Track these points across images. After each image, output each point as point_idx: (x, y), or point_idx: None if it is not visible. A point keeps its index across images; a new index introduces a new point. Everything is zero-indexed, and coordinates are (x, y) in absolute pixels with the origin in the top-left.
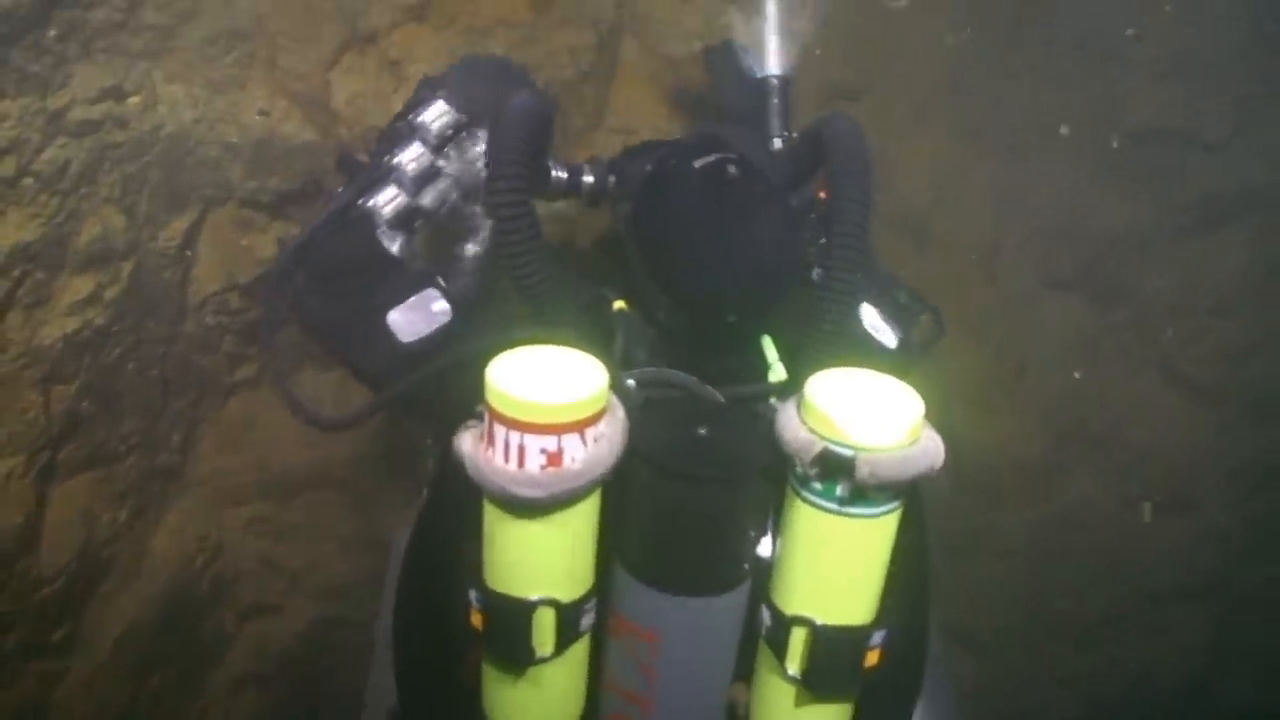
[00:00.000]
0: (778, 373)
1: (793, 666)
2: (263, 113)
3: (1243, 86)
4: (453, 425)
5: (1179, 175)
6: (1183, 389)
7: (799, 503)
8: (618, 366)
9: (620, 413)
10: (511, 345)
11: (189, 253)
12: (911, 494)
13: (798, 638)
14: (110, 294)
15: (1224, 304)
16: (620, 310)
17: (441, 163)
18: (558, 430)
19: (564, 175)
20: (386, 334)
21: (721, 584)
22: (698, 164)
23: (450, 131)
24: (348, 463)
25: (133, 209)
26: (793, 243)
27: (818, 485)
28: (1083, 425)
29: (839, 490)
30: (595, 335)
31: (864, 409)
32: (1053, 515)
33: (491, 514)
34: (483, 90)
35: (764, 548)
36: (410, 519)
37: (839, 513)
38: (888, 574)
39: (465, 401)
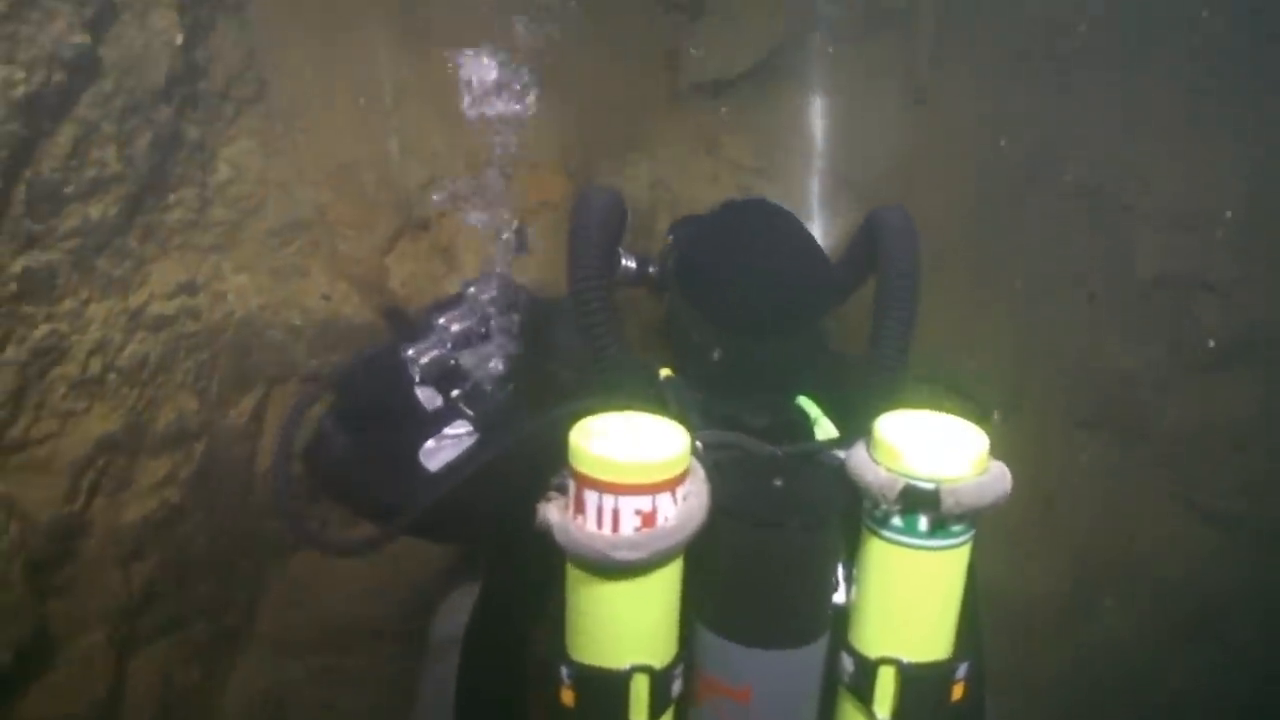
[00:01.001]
0: (825, 428)
1: (882, 710)
2: (325, 297)
3: (1246, 233)
4: (511, 509)
5: (1190, 317)
6: (1208, 521)
7: (879, 542)
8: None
9: (701, 472)
10: (580, 415)
11: (256, 428)
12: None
13: (885, 680)
14: (185, 473)
15: (1242, 438)
16: (668, 377)
17: (483, 329)
18: (651, 490)
19: (632, 265)
20: (413, 468)
21: (809, 634)
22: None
23: (497, 304)
24: (406, 614)
25: (205, 392)
26: (823, 260)
27: (898, 522)
28: (1111, 559)
29: (920, 524)
30: (649, 404)
31: (937, 443)
32: (1083, 650)
33: (580, 583)
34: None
35: (839, 595)
36: (453, 608)
37: (921, 546)
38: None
39: (526, 486)
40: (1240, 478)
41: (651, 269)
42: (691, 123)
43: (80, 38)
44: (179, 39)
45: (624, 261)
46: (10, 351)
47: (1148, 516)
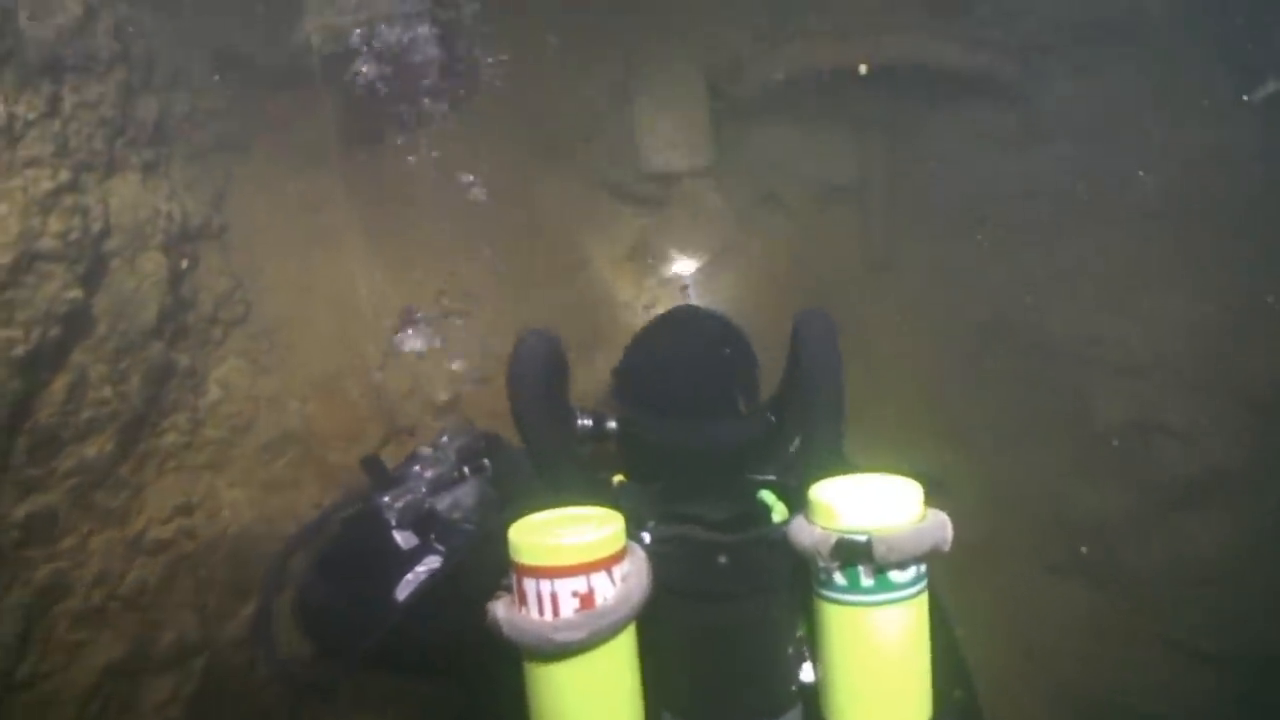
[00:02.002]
0: (780, 513)
1: None
2: (317, 507)
3: (1196, 379)
4: (466, 617)
5: (1151, 461)
6: (1184, 656)
7: (828, 606)
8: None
9: (640, 553)
10: (524, 514)
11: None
12: (929, 577)
13: None
14: (187, 690)
15: (1212, 574)
16: (621, 482)
17: (456, 474)
18: (586, 570)
19: (589, 423)
20: (388, 605)
21: (772, 710)
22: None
23: (468, 450)
24: None
25: (204, 608)
26: (738, 342)
27: (840, 579)
28: (1096, 702)
29: (862, 579)
30: (603, 506)
31: (868, 497)
32: None
33: (535, 676)
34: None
35: (806, 673)
36: None
37: (869, 603)
38: (933, 666)
39: (478, 593)
40: (1213, 612)
41: (609, 424)
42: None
43: (74, 293)
44: (166, 277)
45: (580, 420)
46: (15, 595)
47: (1127, 658)
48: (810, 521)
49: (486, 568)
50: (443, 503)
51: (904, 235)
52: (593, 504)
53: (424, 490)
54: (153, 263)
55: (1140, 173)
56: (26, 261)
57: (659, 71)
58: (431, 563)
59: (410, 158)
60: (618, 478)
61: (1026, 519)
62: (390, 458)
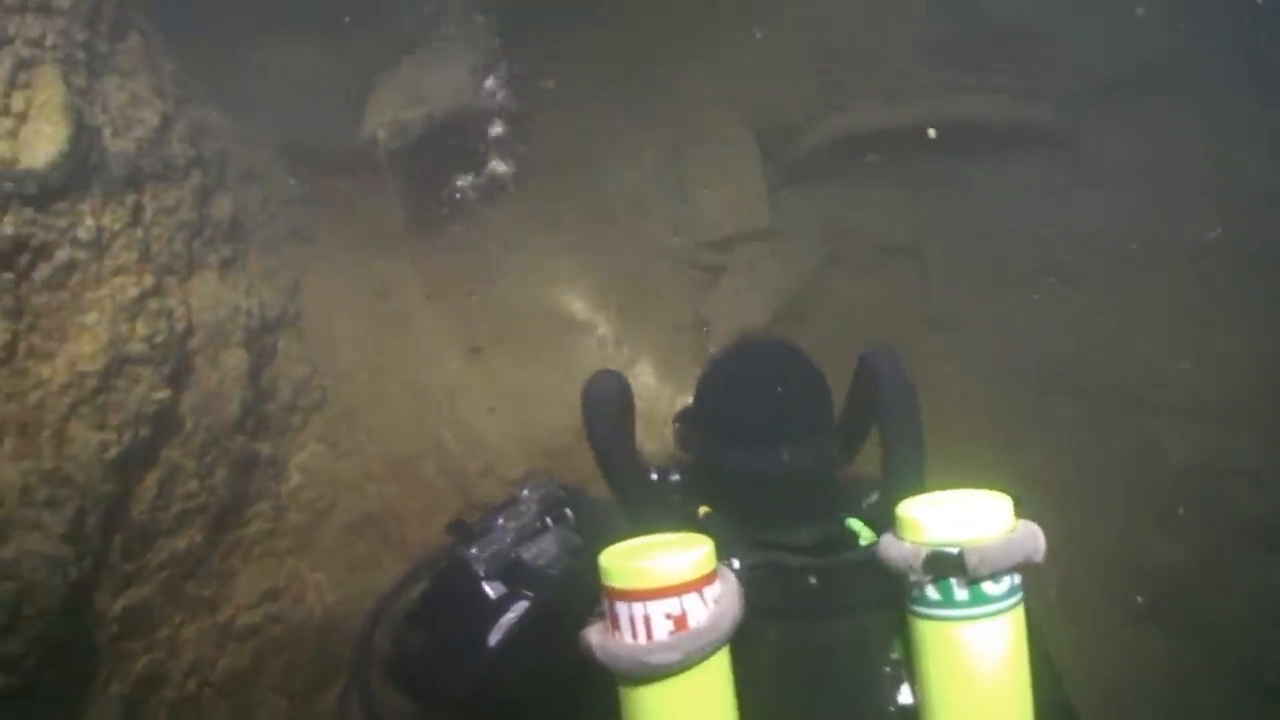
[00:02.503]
0: (868, 538)
1: None
2: None
3: (1270, 419)
4: (562, 652)
5: (1225, 503)
6: (1264, 696)
7: (922, 622)
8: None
9: (731, 575)
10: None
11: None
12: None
13: None
14: None
15: None
16: (708, 513)
17: (539, 524)
18: (678, 591)
19: (655, 478)
20: (481, 653)
21: None
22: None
23: (549, 499)
24: None
25: (292, 691)
26: (819, 375)
27: (934, 594)
28: None
29: (956, 592)
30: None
31: (958, 509)
32: None
33: (627, 699)
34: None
35: (905, 695)
36: None
37: (963, 616)
38: (1033, 684)
39: (572, 627)
40: None
41: (674, 476)
42: None
43: (162, 393)
44: (247, 370)
45: (651, 474)
46: (114, 687)
47: (1209, 701)
48: (899, 537)
49: (575, 606)
50: (528, 552)
51: (962, 287)
52: (677, 529)
53: (509, 540)
54: (234, 358)
55: (1193, 213)
56: (117, 366)
57: (712, 138)
58: (520, 608)
59: (475, 240)
60: (703, 509)
61: (1100, 565)
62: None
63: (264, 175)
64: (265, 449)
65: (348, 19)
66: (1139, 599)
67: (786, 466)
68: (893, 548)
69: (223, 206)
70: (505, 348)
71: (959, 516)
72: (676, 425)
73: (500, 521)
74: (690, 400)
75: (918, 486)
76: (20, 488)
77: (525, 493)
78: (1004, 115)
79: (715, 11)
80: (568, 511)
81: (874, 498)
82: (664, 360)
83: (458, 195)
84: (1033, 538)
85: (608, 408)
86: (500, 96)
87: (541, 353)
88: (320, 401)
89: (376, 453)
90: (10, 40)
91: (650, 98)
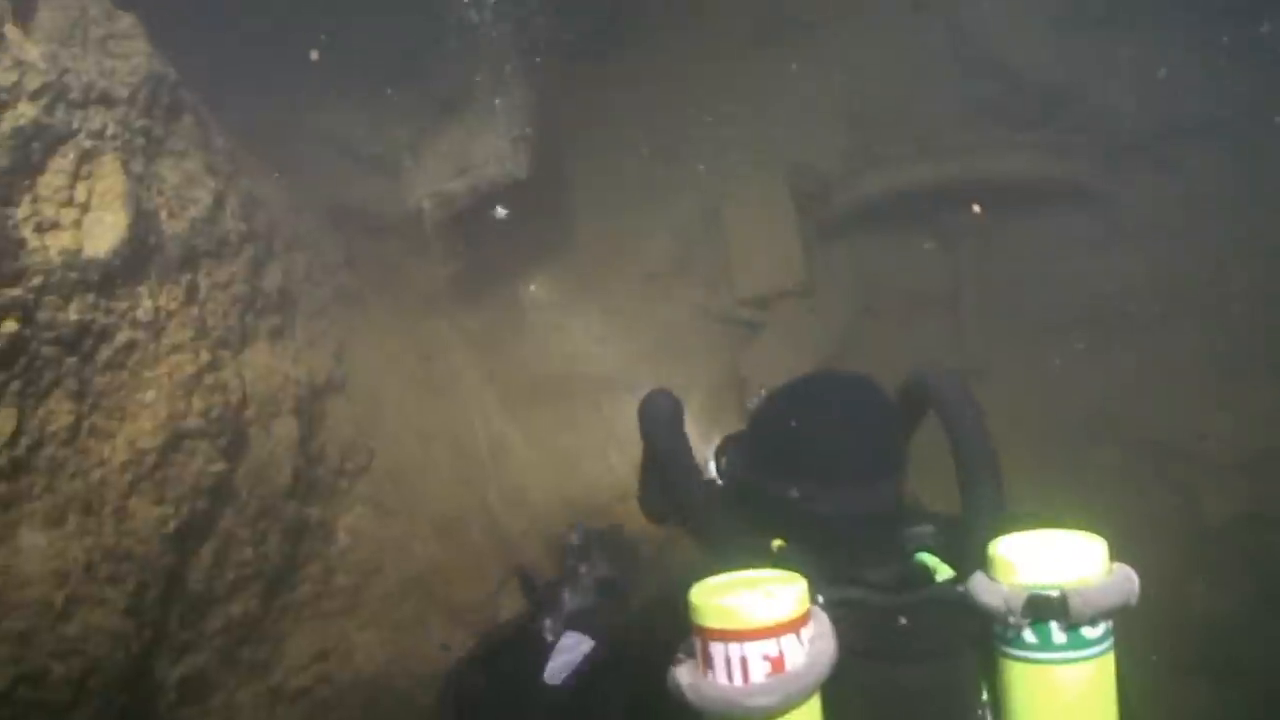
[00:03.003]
0: (944, 573)
1: None
2: (444, 646)
3: None
4: (641, 686)
5: (1267, 554)
6: None
7: (1016, 664)
8: None
9: (824, 615)
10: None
11: None
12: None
13: None
14: None
15: None
16: (782, 547)
17: (583, 568)
18: (776, 633)
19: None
20: (538, 690)
21: None
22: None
23: (606, 584)
24: None
25: None
26: (892, 404)
27: (1030, 637)
28: None
29: (1054, 636)
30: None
31: (1055, 550)
32: None
33: None
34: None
35: None
36: None
37: (1061, 660)
38: None
39: (652, 661)
40: None
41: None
42: None
43: (218, 466)
44: (298, 438)
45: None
46: None
47: None
48: (994, 578)
49: (657, 635)
50: (572, 596)
51: (998, 339)
52: (753, 564)
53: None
54: (286, 426)
55: (1227, 266)
56: (175, 441)
57: (749, 196)
58: (573, 640)
59: (517, 303)
60: (776, 542)
61: (1144, 618)
62: (516, 597)
63: (310, 241)
64: (315, 512)
65: (390, 90)
66: (1183, 650)
67: (869, 506)
68: (989, 590)
69: (273, 277)
70: (547, 409)
71: (1058, 558)
72: (722, 459)
73: (565, 595)
74: (737, 431)
75: (999, 520)
76: (84, 564)
77: (574, 538)
78: (1038, 172)
79: (751, 68)
80: (604, 551)
81: (928, 528)
82: (703, 418)
83: (501, 261)
84: (1129, 580)
85: (666, 418)
86: (540, 163)
87: (582, 413)
88: (367, 463)
89: (422, 513)
90: (75, 134)
91: (687, 156)
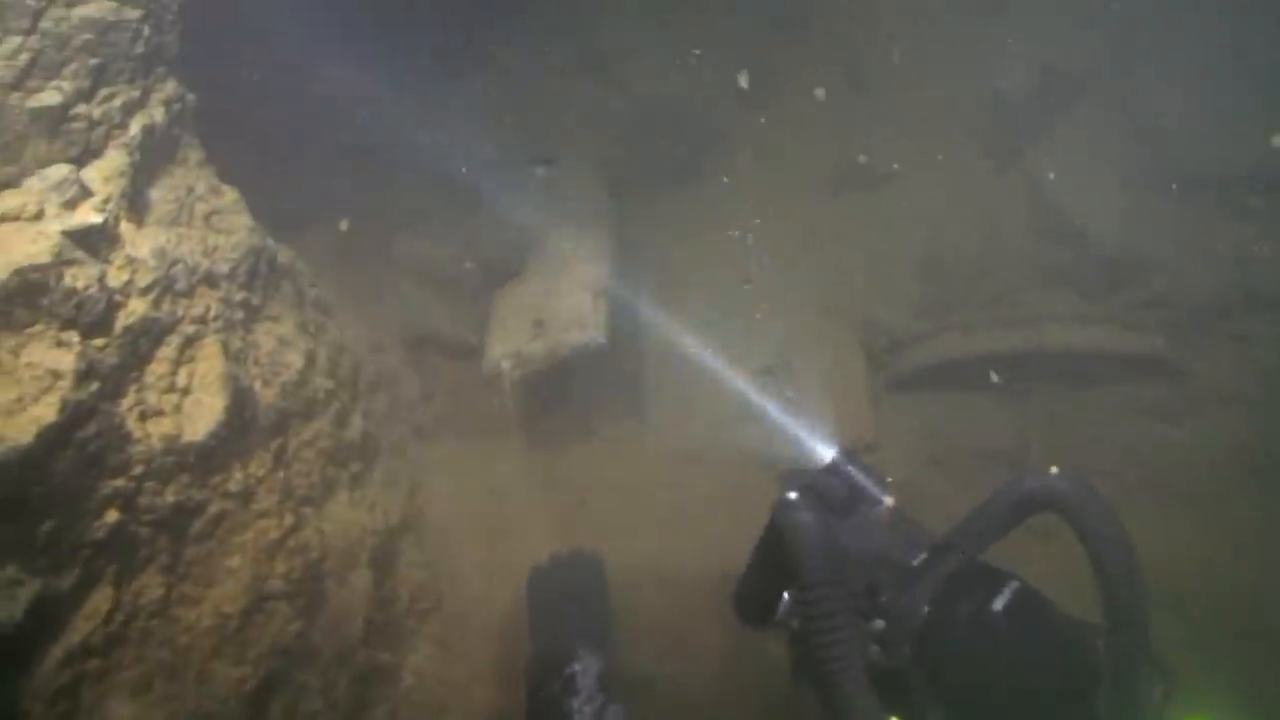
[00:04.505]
0: None
1: None
2: None
3: None
4: None
5: None
6: None
7: None
8: None
9: None
10: None
11: None
12: None
13: None
14: None
15: None
16: None
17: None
18: None
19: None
20: None
21: None
22: (998, 606)
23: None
24: None
25: None
26: (1092, 643)
27: None
28: None
29: None
30: None
31: None
32: None
33: None
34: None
35: None
36: None
37: None
38: None
39: None
40: None
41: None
42: None
43: (296, 625)
44: (371, 588)
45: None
46: None
47: None
48: None
49: None
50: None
51: None
52: None
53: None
54: (361, 579)
55: None
56: (257, 604)
57: (819, 349)
58: None
59: (590, 450)
60: None
61: None
62: None
63: (391, 378)
64: (384, 656)
65: (477, 226)
66: None
67: None
68: None
69: (355, 425)
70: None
71: None
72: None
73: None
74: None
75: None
76: None
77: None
78: (1112, 347)
79: (826, 214)
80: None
81: None
82: None
83: (574, 415)
84: None
85: (818, 540)
86: (616, 329)
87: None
88: (436, 604)
89: (487, 656)
90: (179, 321)
91: (754, 299)
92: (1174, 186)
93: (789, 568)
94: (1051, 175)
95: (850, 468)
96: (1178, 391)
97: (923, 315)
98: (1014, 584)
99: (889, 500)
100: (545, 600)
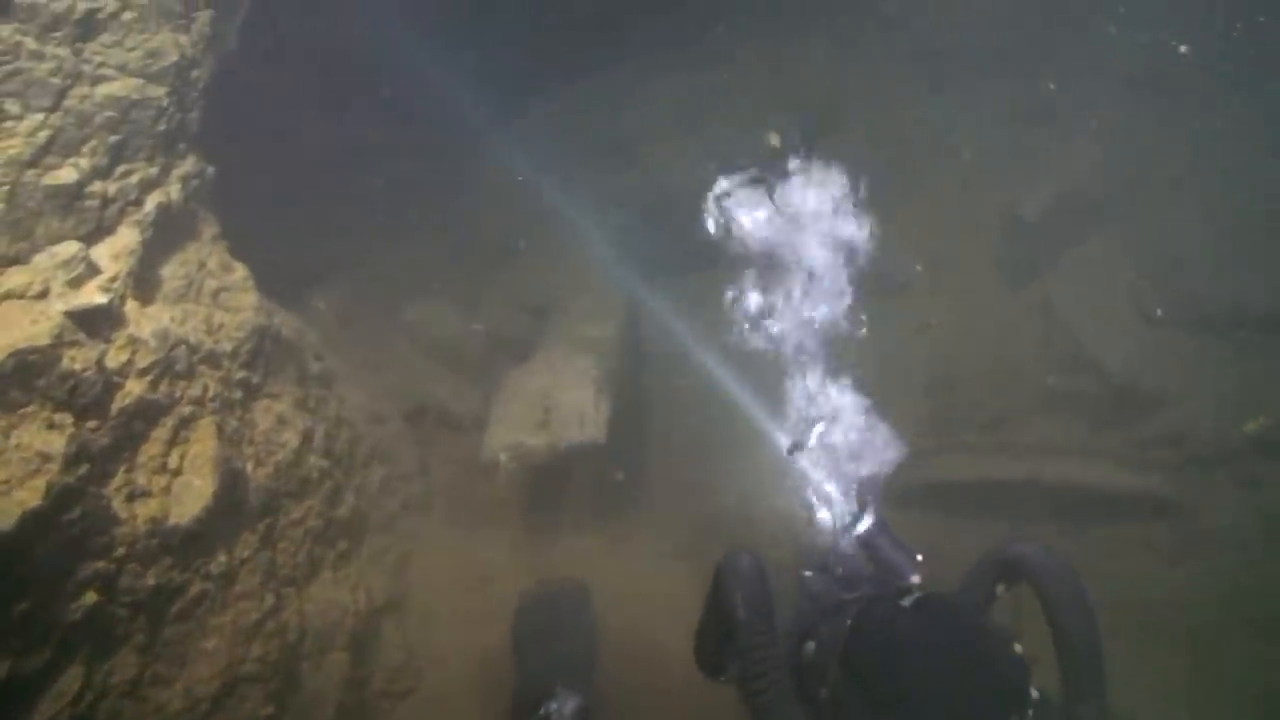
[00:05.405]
0: None
1: None
2: None
3: None
4: None
5: None
6: None
7: None
8: None
9: None
10: None
11: None
12: None
13: None
14: None
15: None
16: None
17: None
18: None
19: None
20: None
21: None
22: (906, 604)
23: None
24: None
25: None
26: (1018, 657)
27: None
28: None
29: None
30: None
31: None
32: None
33: None
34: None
35: None
36: None
37: None
38: None
39: None
40: None
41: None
42: None
43: (268, 710)
44: (347, 671)
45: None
46: None
47: None
48: None
49: None
50: None
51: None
52: None
53: None
54: (337, 663)
55: None
56: (229, 687)
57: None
58: None
59: (584, 544)
60: None
61: None
62: None
63: (388, 452)
64: None
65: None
66: None
67: None
68: None
69: (347, 503)
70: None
71: None
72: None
73: None
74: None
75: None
76: None
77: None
78: (1113, 484)
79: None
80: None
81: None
82: None
83: (571, 508)
84: None
85: (747, 585)
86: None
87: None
88: (413, 687)
89: None
90: (176, 403)
91: (759, 400)
92: (1187, 320)
93: (723, 610)
94: (1064, 299)
95: (881, 540)
96: (1179, 531)
97: (925, 429)
98: (927, 592)
99: (916, 579)
100: (530, 631)
